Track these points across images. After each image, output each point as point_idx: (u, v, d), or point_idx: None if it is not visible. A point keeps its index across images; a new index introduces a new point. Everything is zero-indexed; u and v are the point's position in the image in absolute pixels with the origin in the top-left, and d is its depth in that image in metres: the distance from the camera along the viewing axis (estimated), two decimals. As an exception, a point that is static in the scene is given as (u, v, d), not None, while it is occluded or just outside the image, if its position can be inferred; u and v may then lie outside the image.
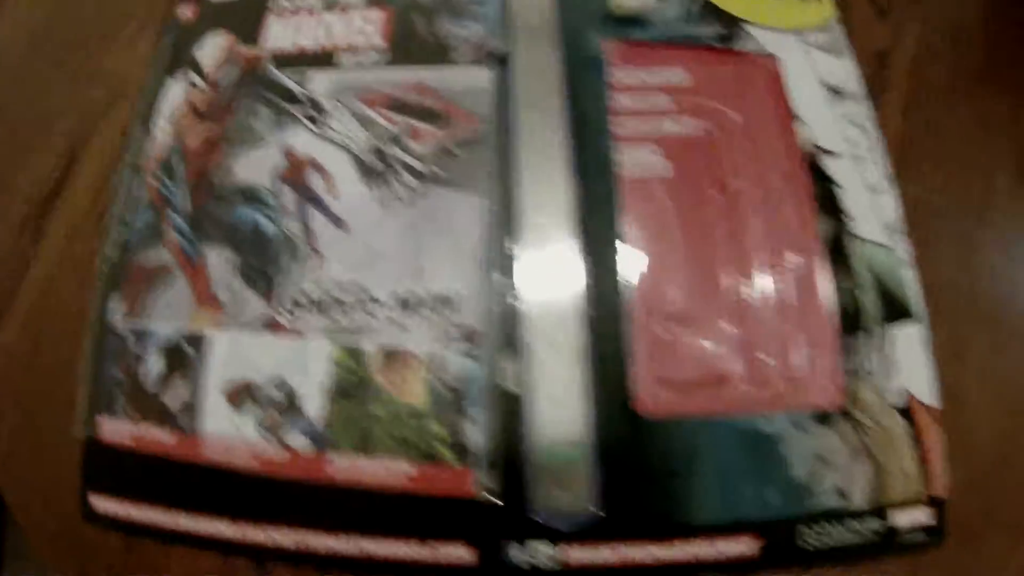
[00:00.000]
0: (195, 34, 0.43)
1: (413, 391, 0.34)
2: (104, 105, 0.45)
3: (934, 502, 0.32)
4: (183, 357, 0.37)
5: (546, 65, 0.38)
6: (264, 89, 0.41)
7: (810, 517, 0.32)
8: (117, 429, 0.36)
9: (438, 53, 0.40)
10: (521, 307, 0.34)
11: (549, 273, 0.35)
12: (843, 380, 0.33)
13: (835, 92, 0.39)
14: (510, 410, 0.33)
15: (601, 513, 0.31)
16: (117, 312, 0.38)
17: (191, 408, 0.35)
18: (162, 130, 0.41)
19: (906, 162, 0.38)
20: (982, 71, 0.42)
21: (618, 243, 0.35)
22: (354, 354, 0.35)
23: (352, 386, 0.34)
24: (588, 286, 0.34)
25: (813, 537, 0.32)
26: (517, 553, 0.32)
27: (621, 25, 0.40)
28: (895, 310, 0.35)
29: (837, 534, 0.32)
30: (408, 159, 0.38)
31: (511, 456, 0.32)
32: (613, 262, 0.35)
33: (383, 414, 0.34)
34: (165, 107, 0.42)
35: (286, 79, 0.41)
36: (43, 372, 0.40)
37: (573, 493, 0.32)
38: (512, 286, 0.35)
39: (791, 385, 0.34)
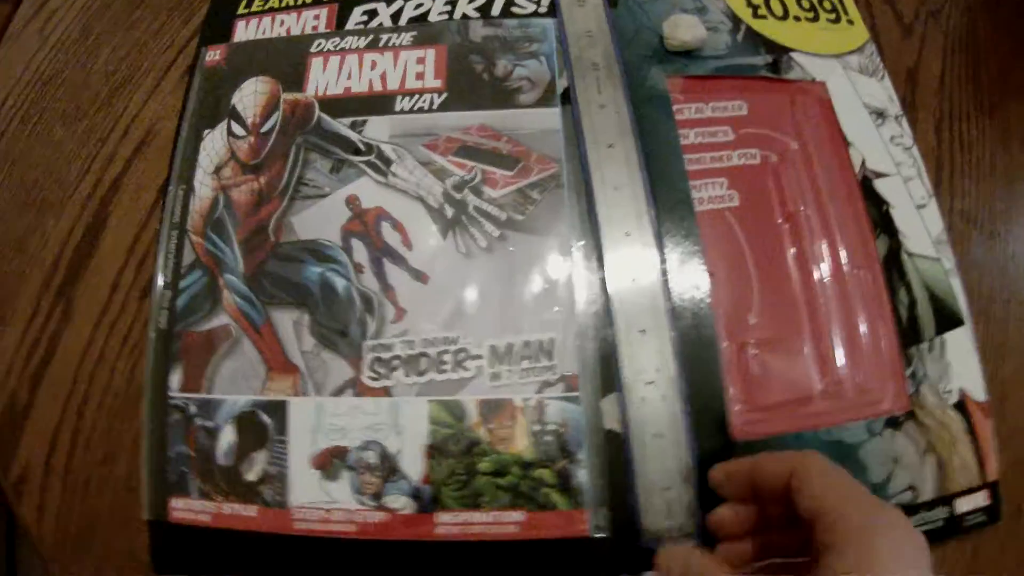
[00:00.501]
0: (229, 80, 0.41)
1: (516, 441, 0.34)
2: (128, 160, 0.41)
3: (989, 486, 0.35)
4: (260, 427, 0.35)
5: (614, 102, 0.38)
6: (317, 137, 0.39)
7: None
8: (190, 508, 0.35)
9: (501, 94, 0.39)
10: (616, 346, 0.34)
11: (639, 310, 0.35)
12: (907, 386, 0.36)
13: (878, 114, 0.41)
14: (613, 449, 0.34)
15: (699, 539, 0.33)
16: (177, 385, 0.36)
17: (275, 479, 0.34)
18: (204, 185, 0.39)
19: (942, 177, 0.42)
20: (998, 83, 0.45)
21: (701, 276, 0.36)
22: (452, 410, 0.34)
23: (452, 442, 0.34)
24: (678, 321, 0.35)
25: None
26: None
27: (676, 60, 0.40)
28: (946, 317, 0.37)
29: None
30: (486, 206, 0.37)
31: (618, 493, 0.33)
32: (699, 295, 0.36)
33: (488, 467, 0.33)
34: (205, 159, 0.39)
35: (341, 127, 0.39)
36: (95, 450, 0.37)
37: (679, 522, 0.32)
38: (604, 326, 0.35)
39: (864, 396, 0.36)
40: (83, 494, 0.37)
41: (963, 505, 0.35)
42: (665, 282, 0.35)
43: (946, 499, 0.35)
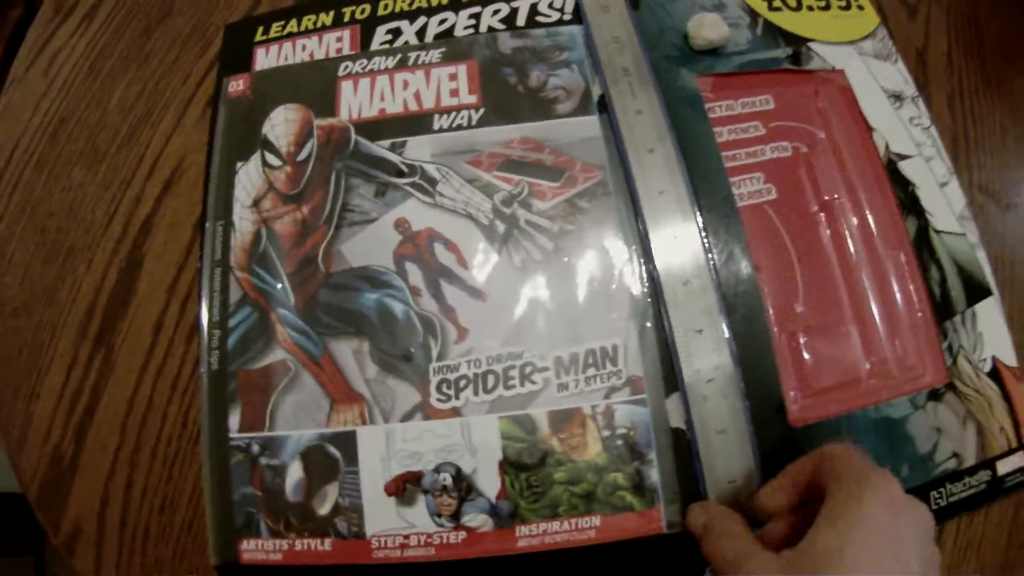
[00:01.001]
0: (257, 110, 0.40)
1: (588, 448, 0.34)
2: (158, 199, 0.40)
3: None
4: (329, 460, 0.35)
5: (649, 107, 0.38)
6: (357, 162, 0.39)
7: (936, 482, 0.36)
8: (261, 548, 0.34)
9: (538, 105, 0.39)
10: (674, 348, 0.35)
11: (694, 311, 0.36)
12: (945, 359, 0.37)
13: (896, 97, 0.42)
14: (680, 446, 0.34)
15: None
16: (236, 426, 0.35)
17: (349, 510, 0.34)
18: (244, 219, 0.38)
19: (959, 153, 0.43)
20: (1002, 56, 0.47)
21: (748, 271, 0.37)
22: (522, 424, 0.34)
23: (526, 455, 0.34)
24: (731, 316, 0.36)
25: (940, 498, 0.36)
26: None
27: (703, 58, 0.41)
28: (975, 289, 0.39)
29: (957, 491, 0.36)
30: (536, 219, 0.37)
31: (687, 488, 0.34)
32: (748, 289, 0.36)
33: (563, 476, 0.34)
34: (241, 193, 0.39)
35: (380, 149, 0.39)
36: (152, 499, 0.36)
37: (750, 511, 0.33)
38: (662, 327, 0.35)
39: (907, 372, 0.37)
40: (143, 544, 0.36)
41: (1004, 467, 0.37)
42: (717, 281, 0.36)
43: (987, 463, 0.36)
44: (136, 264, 0.39)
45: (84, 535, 0.36)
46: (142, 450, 0.37)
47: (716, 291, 0.36)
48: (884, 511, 0.25)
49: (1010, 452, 0.37)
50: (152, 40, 0.44)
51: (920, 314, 0.38)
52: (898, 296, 0.38)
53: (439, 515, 0.34)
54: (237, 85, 0.41)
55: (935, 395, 0.37)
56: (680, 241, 0.37)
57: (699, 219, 0.37)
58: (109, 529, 0.36)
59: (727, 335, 0.35)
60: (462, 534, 0.33)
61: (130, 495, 0.36)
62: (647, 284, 0.36)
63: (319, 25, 0.42)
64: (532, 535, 0.33)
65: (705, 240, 0.37)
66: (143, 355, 0.38)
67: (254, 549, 0.34)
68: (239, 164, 0.39)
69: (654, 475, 0.34)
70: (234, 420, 0.35)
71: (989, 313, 0.39)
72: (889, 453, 0.35)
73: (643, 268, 0.36)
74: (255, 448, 0.35)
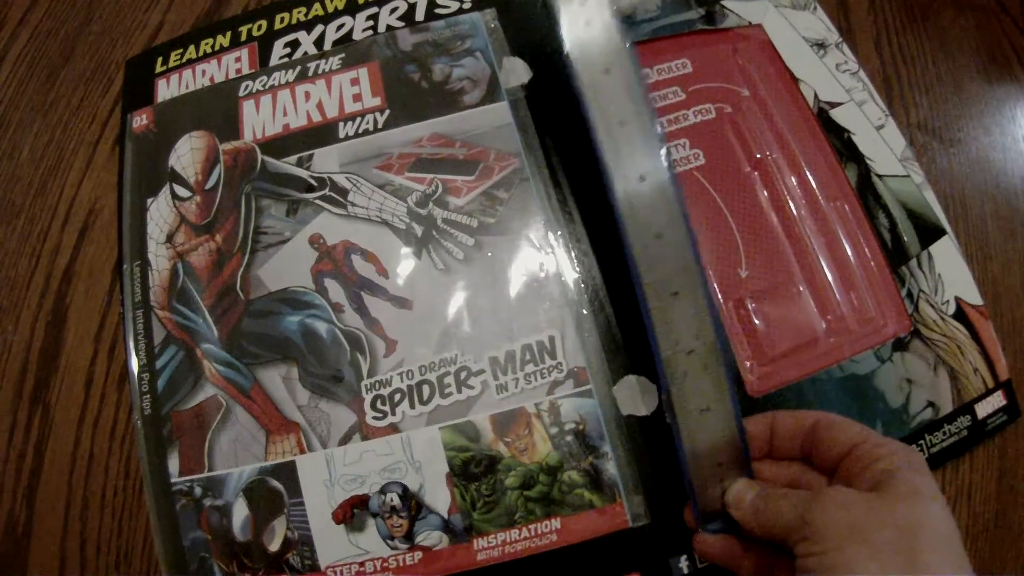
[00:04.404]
0: (162, 142, 0.39)
1: (537, 448, 0.33)
2: (75, 247, 0.39)
3: (1003, 385, 0.35)
4: (272, 494, 0.33)
5: (602, 22, 0.29)
6: (264, 182, 0.37)
7: (915, 435, 0.34)
8: (218, 590, 0.33)
9: (444, 99, 0.38)
10: (649, 317, 0.28)
11: (669, 269, 0.28)
12: (906, 306, 0.36)
13: (819, 46, 0.40)
14: (636, 434, 0.33)
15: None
16: (177, 469, 0.34)
17: (300, 543, 0.33)
18: (159, 256, 0.37)
19: (893, 95, 0.41)
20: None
21: (692, 240, 0.35)
22: (465, 431, 0.33)
23: (473, 464, 0.32)
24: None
25: (920, 451, 0.34)
26: (683, 565, 0.32)
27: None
28: (927, 230, 0.37)
29: (937, 441, 0.34)
30: (454, 216, 0.36)
31: (653, 474, 0.32)
32: (696, 259, 0.34)
33: (514, 481, 0.32)
34: (154, 229, 0.37)
35: (286, 166, 0.37)
36: (107, 555, 0.35)
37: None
38: (599, 311, 0.34)
39: (867, 325, 0.35)
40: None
41: (983, 409, 0.35)
42: (692, 235, 0.28)
43: (966, 407, 0.35)
44: (61, 316, 0.38)
45: (47, 600, 0.35)
46: (90, 505, 0.36)
47: (692, 247, 0.28)
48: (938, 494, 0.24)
49: (988, 393, 0.35)
50: (57, 86, 0.43)
51: (873, 263, 0.36)
52: (848, 248, 0.36)
53: (392, 537, 0.32)
54: (141, 120, 0.40)
55: (900, 344, 0.35)
56: (648, 184, 0.27)
57: (669, 158, 0.28)
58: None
59: (706, 298, 0.28)
60: (418, 554, 0.32)
61: (85, 554, 0.35)
62: (580, 267, 0.34)
63: (217, 48, 0.41)
64: (491, 547, 0.32)
65: (676, 185, 0.28)
66: (78, 408, 0.37)
67: (212, 594, 0.33)
68: (149, 200, 0.38)
69: (611, 468, 0.32)
70: (173, 464, 0.34)
71: (946, 253, 0.37)
72: (860, 411, 0.34)
73: (571, 251, 0.35)
74: (198, 490, 0.34)
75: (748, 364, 0.34)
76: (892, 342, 0.35)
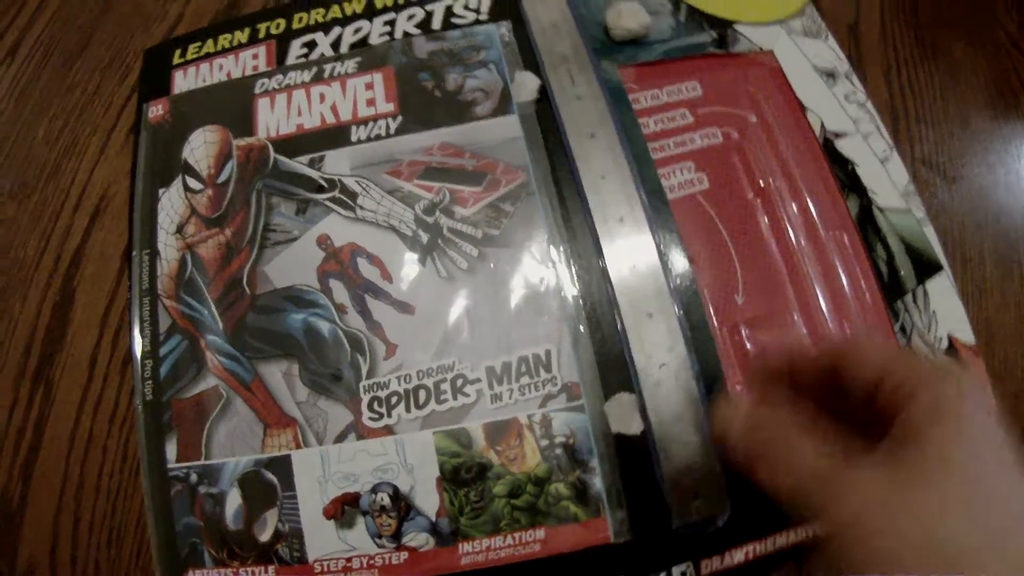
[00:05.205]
0: (176, 134, 0.40)
1: (527, 459, 0.33)
2: (86, 230, 0.40)
3: None
4: (266, 486, 0.34)
5: (590, 92, 0.37)
6: (277, 180, 0.38)
7: None
8: (206, 578, 0.34)
9: (457, 109, 0.39)
10: (625, 334, 0.34)
11: (643, 294, 0.35)
12: (898, 340, 0.36)
13: (829, 75, 0.41)
14: (623, 450, 0.33)
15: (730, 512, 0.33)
16: (174, 456, 0.35)
17: (290, 535, 0.34)
18: (169, 246, 0.38)
19: (899, 127, 0.42)
20: (937, 24, 0.45)
21: (683, 264, 0.36)
22: (458, 438, 0.34)
23: (463, 470, 0.33)
24: (681, 309, 0.35)
25: None
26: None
27: (624, 49, 0.40)
28: (925, 266, 0.38)
29: None
30: (460, 226, 0.36)
31: (638, 491, 0.33)
32: (685, 284, 0.35)
33: (502, 490, 0.33)
34: (164, 219, 0.38)
35: (298, 165, 0.38)
36: (99, 534, 0.36)
37: (709, 499, 0.32)
38: (596, 329, 0.34)
39: None
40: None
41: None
42: (665, 264, 0.35)
43: None
44: (69, 297, 0.39)
45: (38, 574, 0.36)
46: (86, 485, 0.37)
47: (666, 273, 0.35)
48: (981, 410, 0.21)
49: None
50: (73, 72, 0.44)
51: (869, 295, 0.37)
52: (844, 279, 0.37)
53: (380, 536, 0.33)
54: (157, 110, 0.40)
55: (889, 378, 0.36)
56: (625, 224, 0.35)
57: (645, 202, 0.36)
58: (61, 568, 0.36)
59: (680, 317, 0.34)
60: (404, 554, 0.33)
61: (78, 531, 0.36)
62: (580, 283, 0.35)
63: (235, 43, 0.41)
64: (475, 552, 0.33)
65: (651, 223, 0.35)
66: (81, 389, 0.38)
67: (200, 579, 0.34)
68: (161, 190, 0.39)
69: (597, 483, 0.33)
70: (171, 450, 0.35)
71: (941, 289, 0.37)
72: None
73: (573, 267, 0.35)
74: (193, 477, 0.35)
75: (738, 389, 0.35)
76: (882, 375, 0.36)
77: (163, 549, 0.34)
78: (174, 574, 0.34)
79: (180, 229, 0.38)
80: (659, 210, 0.36)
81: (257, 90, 0.40)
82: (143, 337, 0.37)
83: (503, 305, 0.35)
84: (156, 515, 0.35)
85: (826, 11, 0.43)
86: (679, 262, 0.36)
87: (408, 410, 0.34)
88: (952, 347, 0.36)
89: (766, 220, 0.38)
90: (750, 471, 0.24)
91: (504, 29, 0.40)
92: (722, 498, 0.32)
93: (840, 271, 0.37)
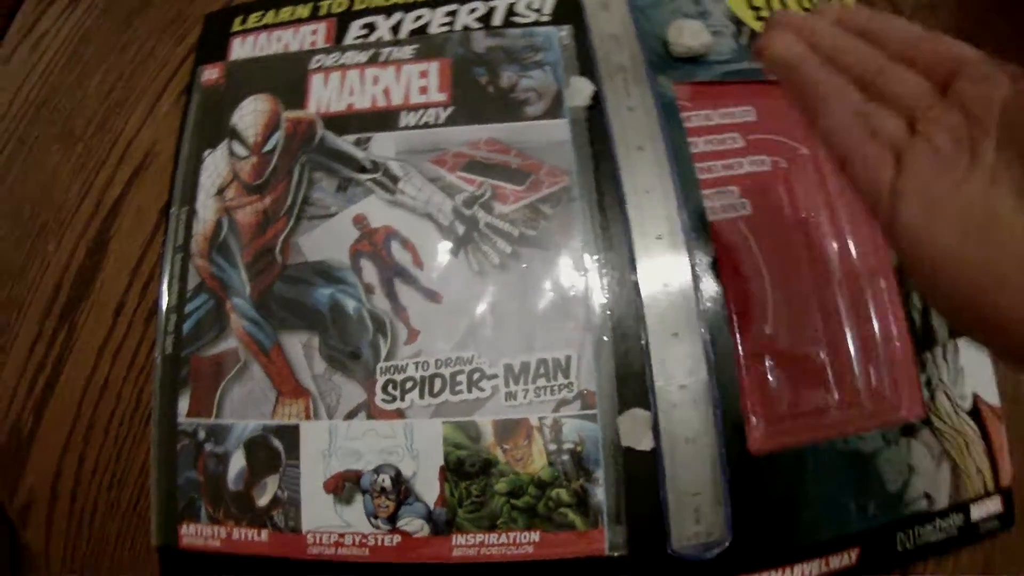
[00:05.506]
0: (228, 99, 0.40)
1: (533, 461, 0.33)
2: (127, 182, 0.41)
3: (1003, 492, 0.35)
4: (271, 452, 0.34)
5: (643, 105, 0.38)
6: (321, 156, 0.38)
7: (904, 522, 0.34)
8: (200, 534, 0.34)
9: (508, 107, 0.39)
10: (648, 351, 0.34)
11: (672, 314, 0.35)
12: (922, 393, 0.36)
13: (885, 117, 0.40)
14: (631, 465, 0.33)
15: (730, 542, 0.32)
16: (185, 410, 0.35)
17: (287, 503, 0.34)
18: (207, 207, 0.38)
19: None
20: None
21: (716, 288, 0.36)
22: (467, 430, 0.33)
23: (468, 464, 0.33)
24: (705, 332, 0.35)
25: (907, 540, 0.34)
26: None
27: (682, 66, 0.40)
28: (959, 321, 0.37)
29: (926, 534, 0.34)
30: (497, 222, 0.36)
31: (635, 510, 0.33)
32: (715, 308, 0.35)
33: (504, 488, 0.33)
34: (206, 180, 0.39)
35: (344, 144, 0.38)
36: (101, 476, 0.37)
37: (708, 527, 0.32)
38: (620, 341, 0.34)
39: (880, 404, 0.35)
40: (90, 520, 0.36)
41: (978, 511, 0.35)
42: (697, 285, 0.35)
43: (961, 506, 0.35)
44: (103, 245, 0.40)
45: (37, 506, 0.36)
46: (95, 427, 0.37)
47: (696, 296, 0.35)
48: None
49: (986, 496, 0.35)
50: (132, 28, 0.44)
51: (899, 344, 0.36)
52: (876, 324, 0.36)
53: (376, 516, 0.33)
54: (211, 74, 0.41)
55: (909, 430, 0.35)
56: (663, 242, 0.36)
57: (685, 221, 0.36)
58: (60, 503, 0.36)
59: (705, 342, 0.34)
60: (397, 538, 0.33)
61: (81, 471, 0.37)
62: (609, 294, 0.35)
63: (296, 17, 0.42)
64: (468, 545, 0.33)
65: (689, 243, 0.35)
66: (103, 334, 0.38)
67: (193, 534, 0.34)
68: (207, 152, 0.39)
69: (599, 494, 0.33)
70: (183, 405, 0.35)
71: (972, 347, 0.37)
72: (856, 488, 0.34)
73: (605, 278, 0.35)
74: (201, 434, 0.35)
75: (754, 420, 0.34)
76: (902, 426, 0.35)
77: (162, 499, 0.35)
78: (170, 524, 0.34)
79: (221, 192, 0.38)
80: (698, 231, 0.36)
81: (312, 65, 0.40)
82: (170, 292, 0.37)
83: (530, 305, 0.35)
84: (160, 466, 0.35)
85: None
86: (711, 286, 0.35)
87: (422, 396, 0.34)
88: (976, 407, 0.36)
89: (805, 254, 0.37)
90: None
91: (564, 33, 0.40)
92: (723, 527, 0.32)
93: (872, 315, 0.36)
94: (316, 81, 0.40)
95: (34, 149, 0.43)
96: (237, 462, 0.34)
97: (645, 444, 0.33)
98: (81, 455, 0.37)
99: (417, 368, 0.34)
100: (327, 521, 0.33)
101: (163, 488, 0.35)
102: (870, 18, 0.24)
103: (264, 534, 0.34)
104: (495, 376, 0.34)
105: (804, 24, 0.25)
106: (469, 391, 0.34)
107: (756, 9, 0.42)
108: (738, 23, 0.41)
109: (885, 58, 0.23)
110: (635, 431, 0.33)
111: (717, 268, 0.36)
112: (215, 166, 0.39)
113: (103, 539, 0.36)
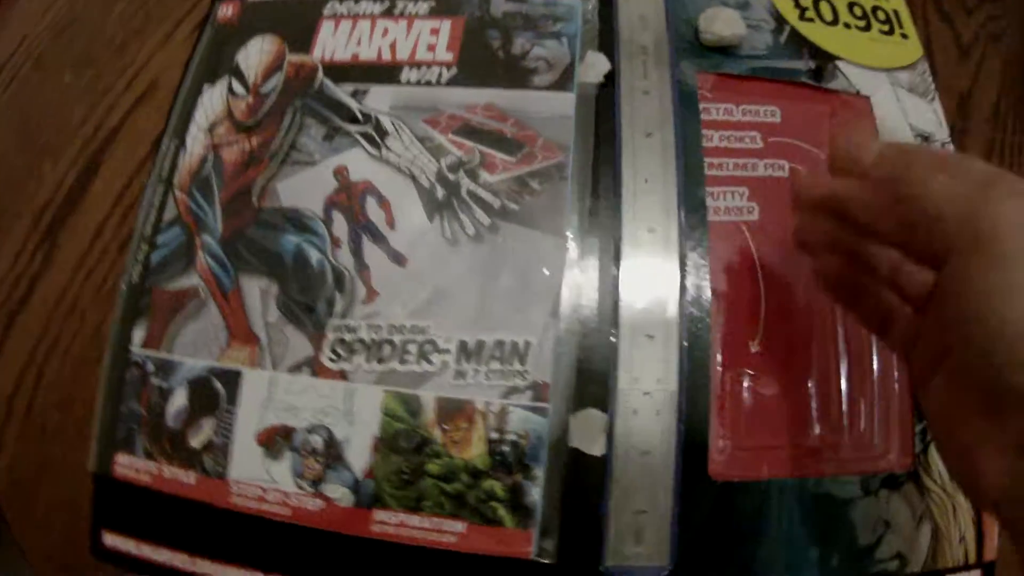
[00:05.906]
0: (238, 36, 0.40)
1: (471, 446, 0.31)
2: (128, 111, 0.41)
3: (985, 567, 0.31)
4: (212, 395, 0.33)
5: (659, 90, 0.35)
6: (315, 102, 0.37)
7: None
8: (133, 466, 0.33)
9: (516, 74, 0.37)
10: (617, 348, 0.31)
11: (650, 313, 0.32)
12: (914, 443, 0.32)
13: (924, 138, 0.37)
14: (575, 469, 0.30)
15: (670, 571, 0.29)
16: (139, 341, 0.34)
17: (218, 449, 0.32)
18: (196, 141, 0.38)
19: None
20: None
21: (704, 292, 0.32)
22: (408, 404, 0.31)
23: (403, 438, 0.31)
24: (683, 339, 0.32)
25: None
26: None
27: (711, 55, 0.37)
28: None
29: None
30: (480, 191, 0.34)
31: (572, 519, 0.30)
32: (698, 313, 0.32)
33: (436, 470, 0.31)
34: (200, 115, 0.38)
35: (341, 93, 0.37)
36: (54, 394, 0.36)
37: (650, 550, 0.29)
38: (587, 334, 0.32)
39: (865, 448, 0.32)
40: (39, 439, 0.36)
41: (954, 583, 0.31)
42: (683, 288, 0.32)
43: (936, 573, 0.31)
44: (94, 169, 0.40)
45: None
46: (58, 346, 0.37)
47: (680, 298, 0.32)
48: None
49: (966, 568, 0.31)
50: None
51: (897, 385, 0.32)
52: (875, 360, 0.33)
53: (302, 476, 0.31)
54: (227, 11, 0.41)
55: (892, 482, 0.31)
56: (655, 236, 0.33)
57: (682, 218, 0.33)
58: (14, 418, 0.36)
59: (682, 350, 0.31)
60: (319, 502, 0.31)
61: (38, 388, 0.36)
62: (585, 284, 0.32)
63: (318, -37, 0.41)
64: (388, 522, 0.30)
65: (682, 241, 0.33)
66: (80, 256, 0.38)
67: (127, 465, 0.33)
68: (205, 86, 0.39)
69: (535, 494, 0.30)
70: (139, 335, 0.35)
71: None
72: (821, 536, 0.30)
73: (583, 266, 0.33)
74: (150, 366, 0.34)
75: (720, 443, 0.31)
76: (884, 476, 0.31)
77: (104, 427, 0.34)
78: (107, 452, 0.34)
79: (212, 128, 0.38)
80: (695, 229, 0.33)
81: (326, 12, 0.39)
82: (146, 222, 0.36)
83: (498, 283, 0.33)
84: (106, 392, 0.34)
85: (940, 72, 0.39)
86: (699, 290, 0.32)
87: (368, 361, 0.32)
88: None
89: (808, 271, 0.33)
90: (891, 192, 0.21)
91: (590, 6, 0.38)
92: (666, 552, 0.29)
93: (872, 350, 0.33)
94: (326, 27, 0.39)
95: (51, 69, 0.43)
96: (179, 399, 0.33)
97: (596, 449, 0.30)
98: (39, 372, 0.37)
99: (369, 331, 0.32)
100: (253, 473, 0.32)
101: (106, 415, 0.34)
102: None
103: (192, 476, 0.32)
104: (447, 351, 0.32)
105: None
106: (418, 363, 0.32)
107: (802, 9, 0.39)
108: (780, 20, 0.38)
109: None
110: (587, 433, 0.30)
111: (709, 272, 0.33)
112: (211, 101, 0.38)
113: (48, 460, 0.35)
